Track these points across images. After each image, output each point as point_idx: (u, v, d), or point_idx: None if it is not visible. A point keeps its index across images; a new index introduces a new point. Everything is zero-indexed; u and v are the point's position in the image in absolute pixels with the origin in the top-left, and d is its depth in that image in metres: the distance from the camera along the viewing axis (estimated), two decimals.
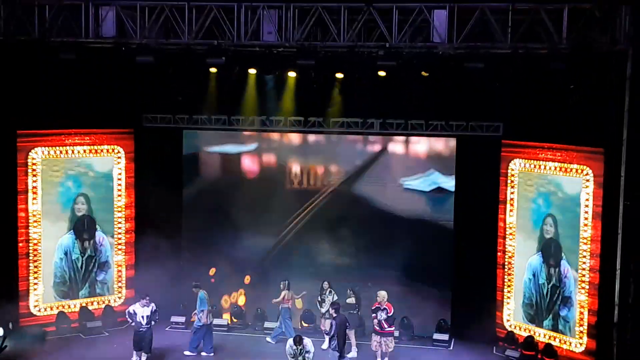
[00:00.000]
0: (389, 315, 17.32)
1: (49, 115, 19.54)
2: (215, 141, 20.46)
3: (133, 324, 17.38)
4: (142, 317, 17.23)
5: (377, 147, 19.80)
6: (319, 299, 18.64)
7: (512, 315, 18.75)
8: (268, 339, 19.05)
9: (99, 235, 19.92)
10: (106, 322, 19.74)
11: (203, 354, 18.06)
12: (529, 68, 16.47)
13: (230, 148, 20.48)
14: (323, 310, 18.40)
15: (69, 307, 19.69)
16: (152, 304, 17.37)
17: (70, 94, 19.81)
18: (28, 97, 18.73)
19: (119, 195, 20.04)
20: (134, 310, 17.30)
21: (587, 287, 17.23)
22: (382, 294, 17.52)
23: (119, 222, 20.11)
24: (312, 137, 20.08)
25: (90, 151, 19.66)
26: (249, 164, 20.49)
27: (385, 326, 17.32)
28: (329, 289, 18.60)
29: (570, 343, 17.61)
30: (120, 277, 20.25)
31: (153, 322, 17.41)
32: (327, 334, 17.19)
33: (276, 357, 17.56)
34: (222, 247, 20.42)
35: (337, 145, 19.95)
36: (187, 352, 18.06)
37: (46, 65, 18.32)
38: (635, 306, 15.91)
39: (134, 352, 17.39)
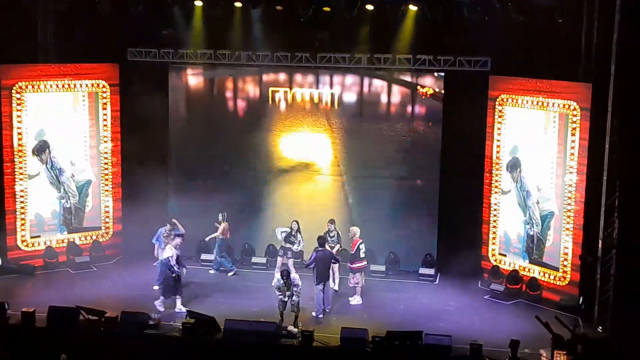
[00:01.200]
0: (351, 252, 17.57)
1: (33, 48, 19.34)
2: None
3: (179, 268, 16.89)
4: (172, 257, 16.89)
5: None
6: (290, 239, 18.46)
7: (497, 249, 18.95)
8: (211, 271, 19.38)
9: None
10: (94, 256, 19.81)
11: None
12: (518, 2, 16.34)
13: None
14: (299, 248, 18.47)
15: (57, 242, 19.73)
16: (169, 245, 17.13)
17: (55, 28, 19.60)
18: (12, 30, 18.45)
19: (105, 129, 19.91)
20: (173, 254, 16.79)
21: (572, 220, 17.39)
22: (352, 230, 17.69)
23: (105, 157, 20.02)
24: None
25: (75, 86, 19.45)
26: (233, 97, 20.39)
27: (348, 263, 17.63)
28: (298, 229, 18.56)
29: (555, 276, 17.85)
30: (108, 212, 20.25)
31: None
32: (305, 266, 17.32)
33: (261, 292, 17.81)
34: (210, 182, 20.41)
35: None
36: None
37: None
38: (619, 240, 16.11)
39: (163, 299, 16.86)
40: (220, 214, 19.13)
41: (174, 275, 16.74)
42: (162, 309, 16.68)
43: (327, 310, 16.90)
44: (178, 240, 17.17)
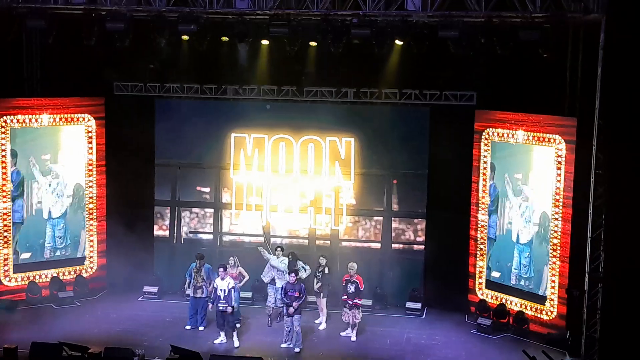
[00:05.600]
0: (360, 289, 17.35)
1: (18, 83, 19.31)
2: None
3: (213, 300, 16.84)
4: (221, 290, 16.69)
5: None
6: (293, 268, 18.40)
7: (484, 283, 18.89)
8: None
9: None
10: (78, 292, 19.60)
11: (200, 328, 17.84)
12: (503, 37, 16.48)
13: None
14: (305, 274, 18.15)
15: (40, 277, 19.51)
16: (230, 280, 16.80)
17: (40, 62, 19.60)
18: None
19: (90, 164, 19.81)
20: (215, 285, 16.79)
21: (558, 254, 17.38)
22: (354, 266, 17.53)
23: (91, 191, 19.90)
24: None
25: (60, 119, 19.39)
26: None
27: (356, 300, 17.34)
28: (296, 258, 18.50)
29: (541, 310, 17.79)
30: (92, 246, 20.09)
31: (232, 301, 16.72)
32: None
33: (247, 326, 17.68)
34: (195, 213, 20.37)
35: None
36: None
37: (15, 32, 18.04)
38: (605, 273, 16.11)
39: (218, 331, 16.98)
40: (231, 258, 18.06)
41: (220, 308, 16.69)
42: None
43: (297, 351, 16.62)
44: (222, 273, 16.89)
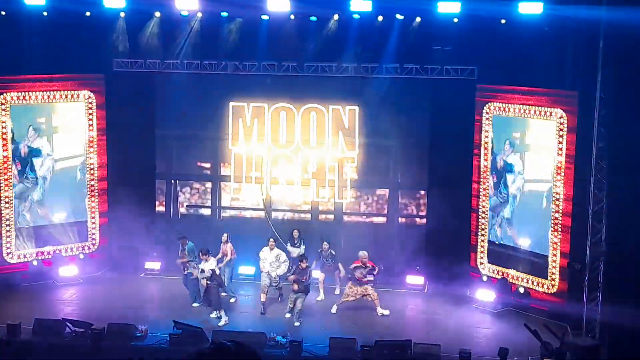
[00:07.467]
0: (373, 272, 17.47)
1: (17, 60, 19.24)
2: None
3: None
4: (209, 270, 16.80)
5: None
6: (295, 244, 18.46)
7: (485, 258, 18.91)
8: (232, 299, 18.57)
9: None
10: (80, 268, 19.63)
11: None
12: (504, 11, 16.42)
13: None
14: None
15: (43, 254, 19.53)
16: (212, 259, 16.97)
17: (40, 40, 19.51)
18: None
19: (91, 142, 19.80)
20: (201, 269, 16.93)
21: (560, 229, 17.39)
22: (365, 254, 17.45)
23: (92, 169, 19.89)
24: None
25: (60, 96, 19.35)
26: None
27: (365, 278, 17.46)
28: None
29: (543, 284, 17.83)
30: (94, 224, 20.11)
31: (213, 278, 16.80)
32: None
33: (249, 302, 17.76)
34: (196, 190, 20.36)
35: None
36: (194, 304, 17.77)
37: (13, 9, 17.97)
38: (606, 246, 16.13)
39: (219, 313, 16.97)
40: (224, 235, 18.17)
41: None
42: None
43: (297, 324, 16.69)
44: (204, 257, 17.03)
